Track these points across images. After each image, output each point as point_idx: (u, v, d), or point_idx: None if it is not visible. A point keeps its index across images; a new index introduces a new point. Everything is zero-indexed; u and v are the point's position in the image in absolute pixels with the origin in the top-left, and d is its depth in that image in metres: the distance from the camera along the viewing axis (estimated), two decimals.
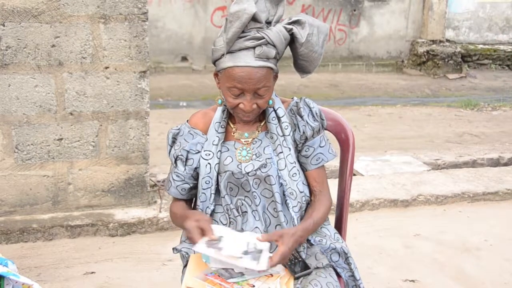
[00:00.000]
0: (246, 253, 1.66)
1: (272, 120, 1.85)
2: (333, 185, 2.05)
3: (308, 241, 1.86)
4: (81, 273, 3.00)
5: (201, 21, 9.87)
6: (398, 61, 10.96)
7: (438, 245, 3.42)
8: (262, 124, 1.88)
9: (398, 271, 3.11)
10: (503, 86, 10.00)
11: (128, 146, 3.42)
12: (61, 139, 3.31)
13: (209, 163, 1.83)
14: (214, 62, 1.78)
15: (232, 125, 1.88)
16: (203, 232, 1.69)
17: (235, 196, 1.85)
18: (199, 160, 1.85)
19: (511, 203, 4.10)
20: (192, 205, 1.96)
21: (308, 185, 1.90)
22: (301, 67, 1.85)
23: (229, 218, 1.85)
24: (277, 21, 1.77)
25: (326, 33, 1.79)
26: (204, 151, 1.85)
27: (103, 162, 3.41)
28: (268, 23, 1.75)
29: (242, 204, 1.85)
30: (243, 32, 1.70)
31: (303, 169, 1.90)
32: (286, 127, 1.85)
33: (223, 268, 1.70)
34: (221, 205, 1.86)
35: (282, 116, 1.86)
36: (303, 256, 1.82)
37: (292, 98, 1.94)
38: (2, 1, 3.03)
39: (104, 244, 3.32)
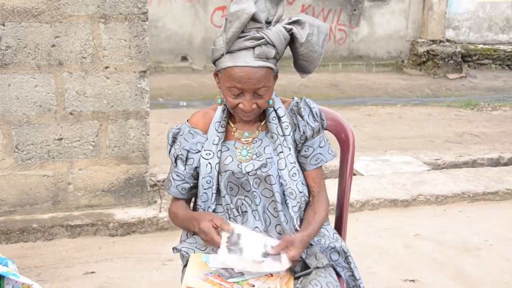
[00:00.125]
0: (265, 255, 1.66)
1: (272, 119, 1.85)
2: (333, 185, 2.06)
3: None
4: (81, 273, 3.00)
5: (201, 21, 9.87)
6: (398, 61, 10.96)
7: (438, 245, 3.42)
8: (262, 123, 1.88)
9: (398, 271, 3.11)
10: (503, 86, 10.00)
11: (128, 146, 3.42)
12: (61, 139, 3.31)
13: (209, 163, 1.83)
14: (214, 62, 1.78)
15: (232, 125, 1.88)
16: (217, 231, 1.69)
17: (235, 196, 1.85)
18: (199, 159, 1.85)
19: (511, 203, 4.10)
20: (192, 205, 1.96)
21: (307, 185, 1.90)
22: (301, 67, 1.84)
23: (229, 217, 1.85)
24: (277, 21, 1.77)
25: (326, 33, 1.79)
26: (204, 150, 1.85)
27: (103, 162, 3.41)
28: (268, 23, 1.75)
29: (242, 204, 1.85)
30: (242, 32, 1.69)
31: (302, 169, 1.90)
32: (287, 127, 1.85)
33: (223, 268, 1.70)
34: (221, 204, 1.87)
35: (283, 116, 1.85)
36: (303, 256, 1.82)
37: (293, 98, 1.94)
38: (2, 1, 3.03)
39: (104, 244, 3.32)
